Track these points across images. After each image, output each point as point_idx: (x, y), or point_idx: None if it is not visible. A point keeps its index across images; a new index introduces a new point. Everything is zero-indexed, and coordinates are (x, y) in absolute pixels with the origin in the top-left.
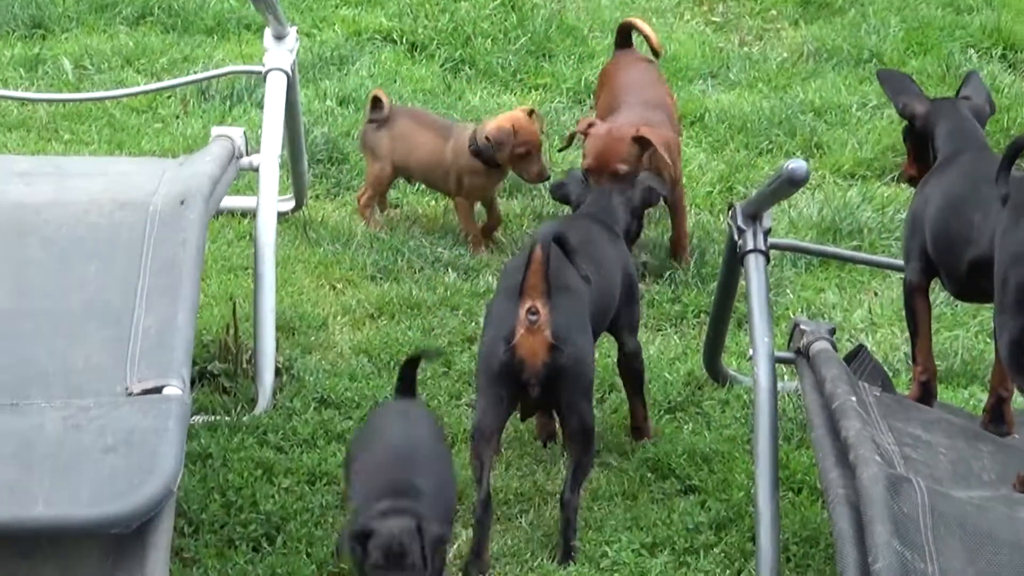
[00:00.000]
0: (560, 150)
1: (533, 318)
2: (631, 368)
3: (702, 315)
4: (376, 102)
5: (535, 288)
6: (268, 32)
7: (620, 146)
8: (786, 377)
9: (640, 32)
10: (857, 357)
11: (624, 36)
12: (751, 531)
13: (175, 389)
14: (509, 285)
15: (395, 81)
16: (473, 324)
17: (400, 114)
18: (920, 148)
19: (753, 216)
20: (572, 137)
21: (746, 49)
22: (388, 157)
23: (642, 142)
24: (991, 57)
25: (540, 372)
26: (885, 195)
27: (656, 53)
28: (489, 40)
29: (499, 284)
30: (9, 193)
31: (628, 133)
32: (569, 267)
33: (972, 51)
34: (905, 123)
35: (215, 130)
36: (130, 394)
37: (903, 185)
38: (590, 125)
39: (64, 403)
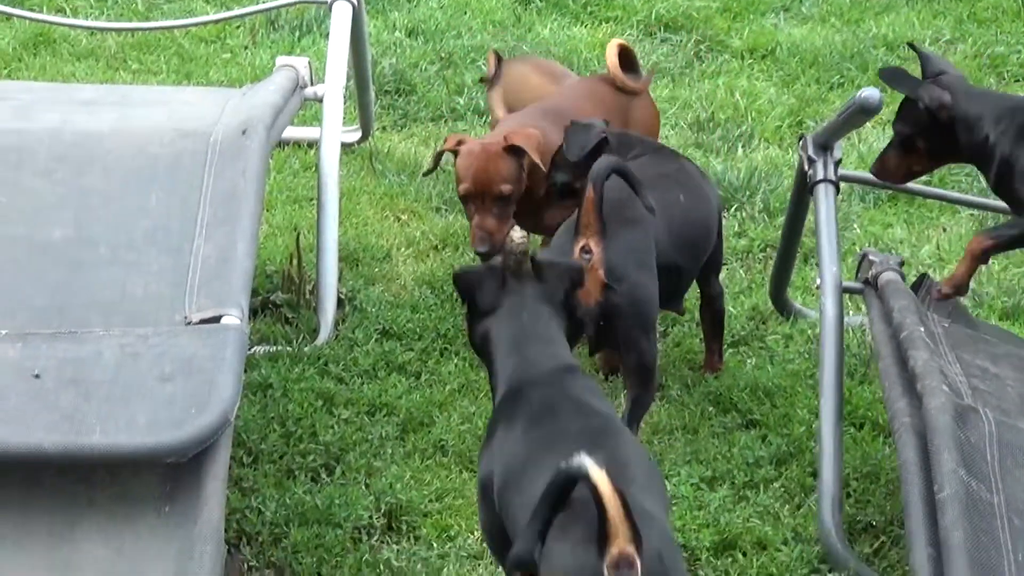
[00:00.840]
0: (425, 173)
1: (587, 256)
2: (713, 309)
3: (768, 249)
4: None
5: (589, 227)
6: None
7: (497, 163)
8: (851, 312)
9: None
10: (922, 286)
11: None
12: (811, 466)
13: (233, 318)
14: (570, 221)
15: (465, 13)
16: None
17: (512, 64)
18: (941, 139)
19: (824, 146)
20: (439, 156)
21: None
22: (503, 110)
23: (516, 151)
24: None
25: (594, 311)
26: None
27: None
28: None
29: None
30: (73, 122)
31: (499, 145)
32: (634, 199)
33: None
34: (908, 118)
35: (280, 60)
36: (188, 323)
37: None
38: (459, 142)
39: (123, 331)
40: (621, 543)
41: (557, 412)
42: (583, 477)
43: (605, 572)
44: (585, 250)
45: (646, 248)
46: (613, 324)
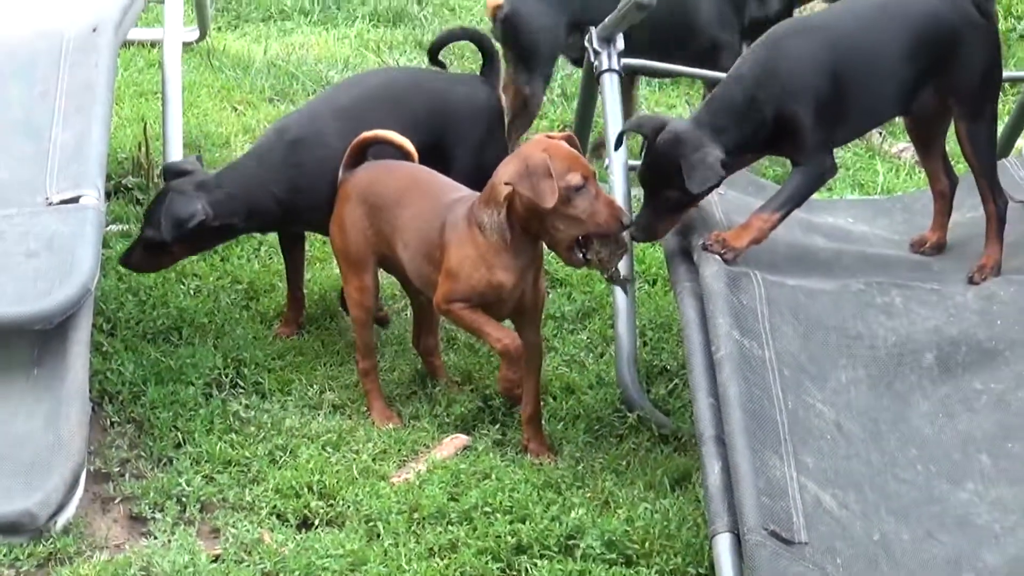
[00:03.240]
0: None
1: None
2: None
3: (565, 129)
4: None
5: None
6: None
7: None
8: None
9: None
10: None
11: None
12: (611, 319)
13: (91, 198)
14: None
15: None
16: None
17: None
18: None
19: (607, 39)
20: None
21: None
22: None
23: None
24: None
25: None
26: None
27: None
28: None
29: None
30: None
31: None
32: None
33: None
34: None
35: None
36: (50, 204)
37: None
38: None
39: None
40: None
41: None
42: None
43: None
44: None
45: None
46: None
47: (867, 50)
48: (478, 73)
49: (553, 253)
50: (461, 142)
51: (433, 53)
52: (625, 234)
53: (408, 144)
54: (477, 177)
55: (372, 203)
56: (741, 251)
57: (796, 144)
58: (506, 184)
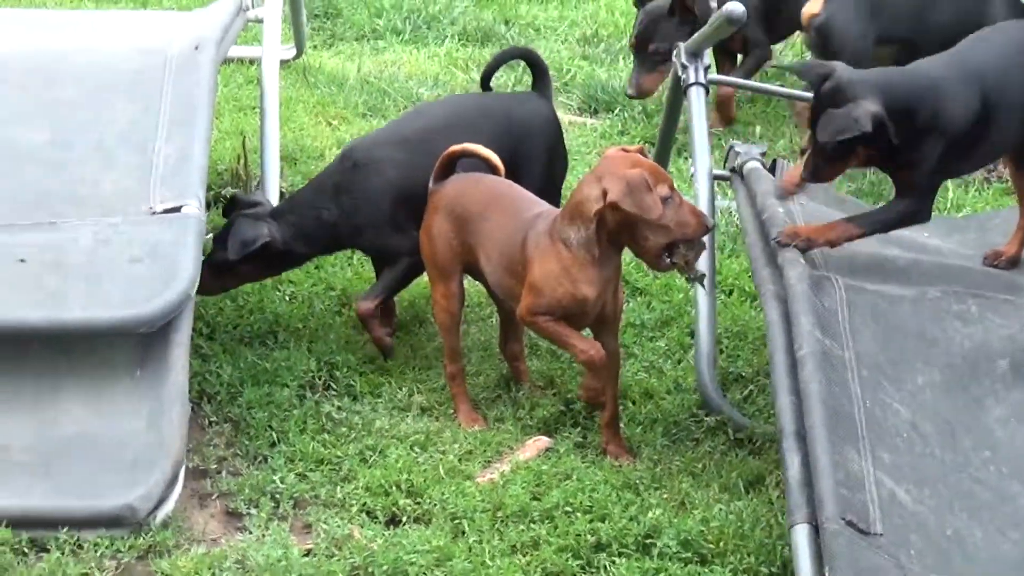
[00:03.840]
0: None
1: None
2: None
3: (647, 145)
4: None
5: None
6: None
7: None
8: (720, 197)
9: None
10: (776, 168)
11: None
12: (689, 327)
13: (192, 208)
14: None
15: None
16: None
17: None
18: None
19: (695, 54)
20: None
21: None
22: None
23: None
24: None
25: None
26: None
27: None
28: None
29: None
30: (45, 43)
31: None
32: None
33: None
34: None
35: None
36: (153, 213)
37: None
38: None
39: (95, 220)
40: None
41: None
42: None
43: None
44: None
45: None
46: None
47: (1012, 86)
48: (531, 90)
49: (637, 262)
50: (528, 158)
51: (486, 77)
52: (706, 238)
53: (494, 157)
54: (547, 189)
55: (458, 215)
56: (815, 244)
57: (911, 174)
58: (611, 203)
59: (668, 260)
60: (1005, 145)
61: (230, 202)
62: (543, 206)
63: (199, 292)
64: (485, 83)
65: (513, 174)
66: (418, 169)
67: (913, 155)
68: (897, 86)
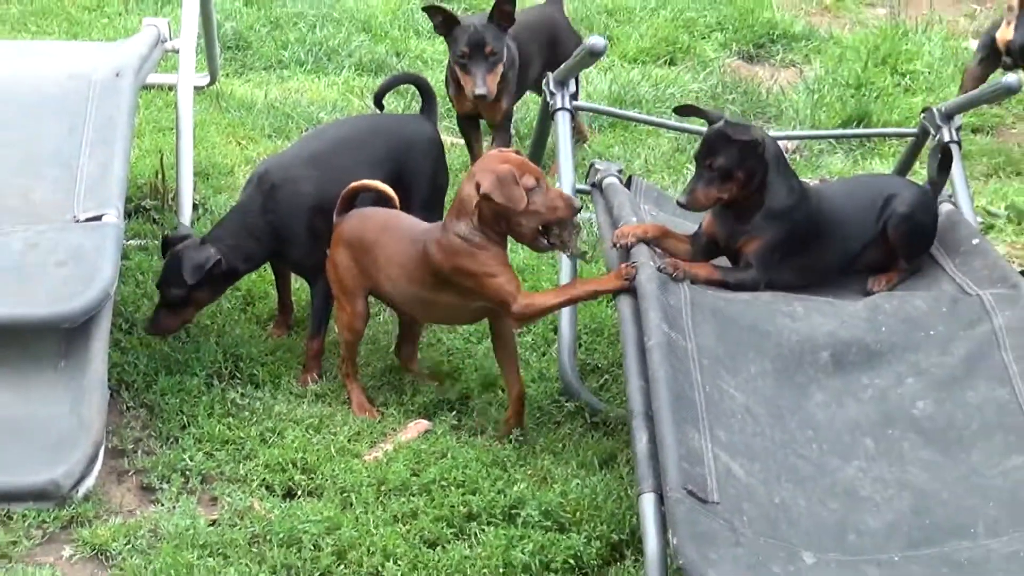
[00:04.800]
0: None
1: None
2: None
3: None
4: None
5: None
6: None
7: None
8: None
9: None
10: (632, 183)
11: None
12: (552, 323)
13: (112, 216)
14: None
15: None
16: None
17: None
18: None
19: (561, 83)
20: None
21: None
22: None
23: None
24: None
25: None
26: (659, 75)
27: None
28: None
29: None
30: None
31: None
32: None
33: None
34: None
35: (145, 20)
36: (77, 221)
37: (674, 66)
38: None
39: (25, 228)
40: None
41: None
42: None
43: None
44: None
45: None
46: None
47: None
48: (419, 113)
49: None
50: (415, 172)
51: (379, 97)
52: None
53: (389, 191)
54: (432, 198)
55: (357, 244)
56: (691, 277)
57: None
58: (483, 195)
59: (545, 241)
60: None
61: (164, 243)
62: (426, 224)
63: (159, 333)
64: (378, 101)
65: (402, 185)
66: (328, 183)
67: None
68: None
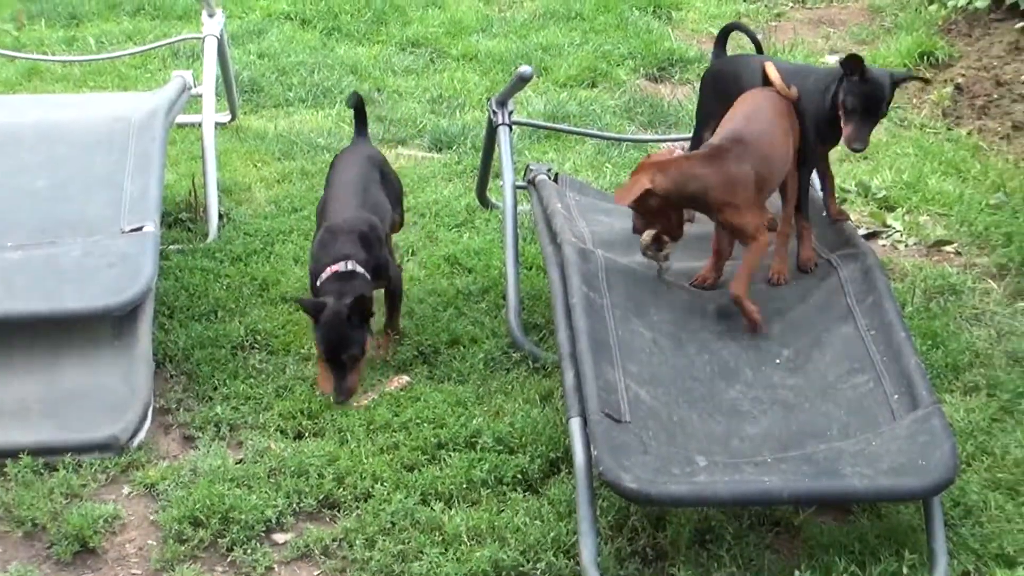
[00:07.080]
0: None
1: None
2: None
3: (474, 170)
4: None
5: None
6: (204, 13)
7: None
8: (521, 203)
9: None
10: (559, 179)
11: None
12: (502, 293)
13: (150, 228)
14: None
15: (292, 42)
16: None
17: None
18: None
19: (502, 103)
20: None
21: (502, 13)
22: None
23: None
24: (647, 13)
25: None
26: (583, 95)
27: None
28: (348, 15)
29: None
30: (48, 116)
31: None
32: None
33: (637, 11)
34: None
35: (174, 73)
36: (123, 232)
37: (595, 88)
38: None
39: (83, 239)
40: None
41: None
42: None
43: None
44: None
45: None
46: None
47: None
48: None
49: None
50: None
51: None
52: None
53: None
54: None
55: None
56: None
57: None
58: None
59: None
60: None
61: (309, 310)
62: None
63: (351, 395)
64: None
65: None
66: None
67: None
68: None
